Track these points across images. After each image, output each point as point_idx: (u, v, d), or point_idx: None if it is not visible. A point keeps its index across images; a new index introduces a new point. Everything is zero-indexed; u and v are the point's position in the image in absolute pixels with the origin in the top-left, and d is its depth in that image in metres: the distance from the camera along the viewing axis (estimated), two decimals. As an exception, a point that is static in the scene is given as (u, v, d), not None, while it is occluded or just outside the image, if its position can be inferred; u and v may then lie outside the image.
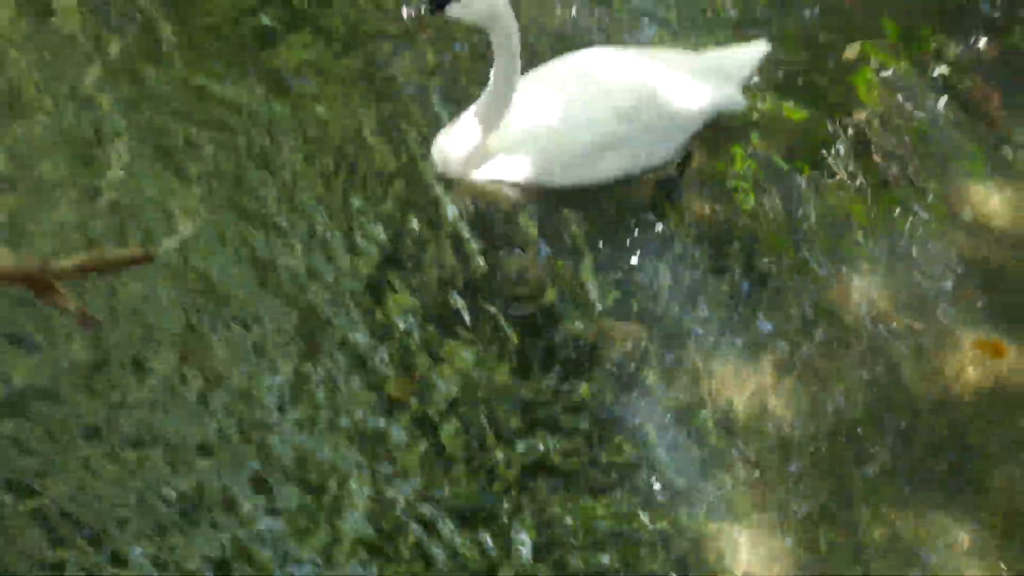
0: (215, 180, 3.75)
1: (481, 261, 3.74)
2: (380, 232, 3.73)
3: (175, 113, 3.89)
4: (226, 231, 3.62)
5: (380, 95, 4.09)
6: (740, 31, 4.45)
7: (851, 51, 4.44)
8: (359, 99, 4.07)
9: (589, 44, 4.16)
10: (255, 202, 3.71)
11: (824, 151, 4.16)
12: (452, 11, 3.51)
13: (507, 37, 3.56)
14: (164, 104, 3.90)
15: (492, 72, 3.64)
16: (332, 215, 3.74)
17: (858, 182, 4.08)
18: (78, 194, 3.63)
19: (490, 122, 3.74)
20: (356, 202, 3.77)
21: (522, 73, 3.72)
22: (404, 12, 3.74)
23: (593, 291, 3.73)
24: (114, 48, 4.01)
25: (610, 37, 4.37)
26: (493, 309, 3.63)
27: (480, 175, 3.85)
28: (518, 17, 3.57)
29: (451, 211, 3.82)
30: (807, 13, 4.63)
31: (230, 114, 3.93)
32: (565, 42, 4.26)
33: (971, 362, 3.64)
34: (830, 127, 4.23)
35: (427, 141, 3.89)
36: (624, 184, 3.91)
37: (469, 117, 3.78)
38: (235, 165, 3.80)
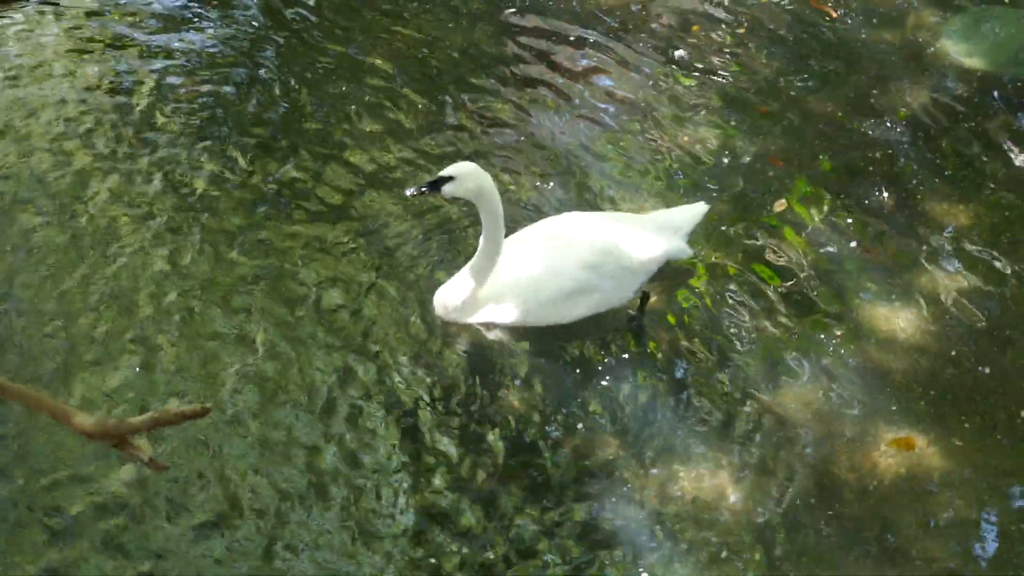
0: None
1: (476, 389, 4.32)
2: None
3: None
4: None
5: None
6: (686, 194, 5.18)
7: (778, 206, 5.16)
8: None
9: (560, 211, 4.82)
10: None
11: (757, 286, 4.78)
12: (447, 190, 4.18)
13: (493, 210, 4.20)
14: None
15: (481, 237, 4.28)
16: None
17: (787, 311, 4.69)
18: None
19: (481, 276, 4.36)
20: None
21: (505, 236, 4.33)
22: (408, 192, 4.23)
23: (573, 410, 4.28)
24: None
25: (576, 206, 5.06)
26: (480, 429, 4.18)
27: (475, 319, 4.48)
28: (500, 193, 4.23)
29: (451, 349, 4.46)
30: (743, 178, 5.36)
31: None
32: (538, 211, 4.98)
33: (888, 455, 4.19)
34: (762, 267, 4.85)
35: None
36: (594, 321, 4.50)
37: (464, 272, 4.41)
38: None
